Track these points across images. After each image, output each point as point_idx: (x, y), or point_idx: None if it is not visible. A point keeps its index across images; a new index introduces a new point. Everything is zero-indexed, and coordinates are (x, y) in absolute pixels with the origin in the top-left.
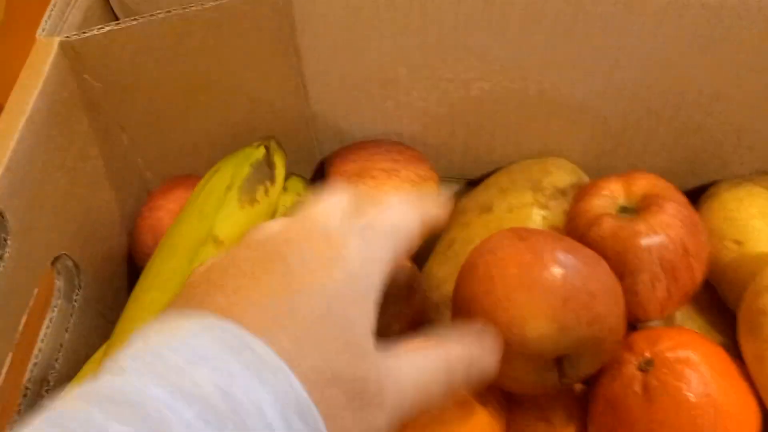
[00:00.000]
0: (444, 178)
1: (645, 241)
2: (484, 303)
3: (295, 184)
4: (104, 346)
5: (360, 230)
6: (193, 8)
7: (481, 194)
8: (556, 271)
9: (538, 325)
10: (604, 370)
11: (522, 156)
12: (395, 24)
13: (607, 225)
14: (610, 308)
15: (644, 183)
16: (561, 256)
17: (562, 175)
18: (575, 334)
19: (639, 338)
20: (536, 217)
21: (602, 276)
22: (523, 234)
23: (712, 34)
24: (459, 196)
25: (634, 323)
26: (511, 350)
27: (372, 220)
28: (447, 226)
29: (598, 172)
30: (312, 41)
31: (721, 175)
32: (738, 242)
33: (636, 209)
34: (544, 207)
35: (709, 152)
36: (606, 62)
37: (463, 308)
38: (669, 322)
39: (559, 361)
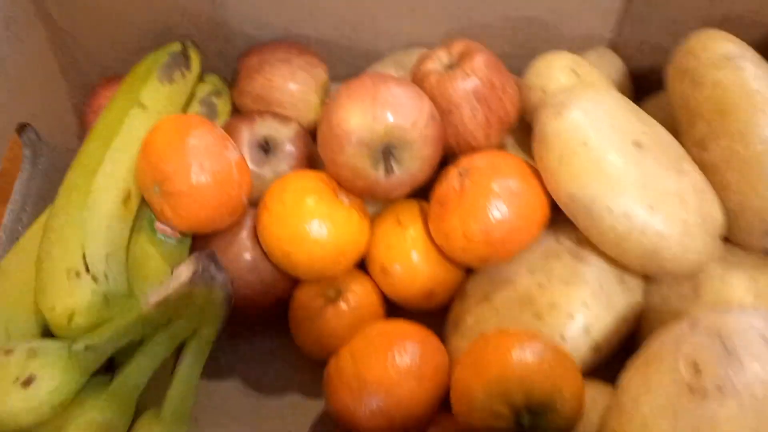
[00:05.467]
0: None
1: (460, 83)
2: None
3: (213, 78)
4: (48, 209)
5: None
6: None
7: None
8: (372, 81)
9: (355, 115)
10: (438, 181)
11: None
12: None
13: (433, 77)
14: (416, 116)
15: (461, 45)
16: (385, 78)
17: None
18: (383, 124)
19: (463, 157)
20: None
21: (412, 95)
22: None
23: None
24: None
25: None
26: (342, 141)
27: None
28: None
29: None
30: None
31: None
32: (543, 90)
33: (455, 64)
34: None
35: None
36: None
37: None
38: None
39: (386, 156)
